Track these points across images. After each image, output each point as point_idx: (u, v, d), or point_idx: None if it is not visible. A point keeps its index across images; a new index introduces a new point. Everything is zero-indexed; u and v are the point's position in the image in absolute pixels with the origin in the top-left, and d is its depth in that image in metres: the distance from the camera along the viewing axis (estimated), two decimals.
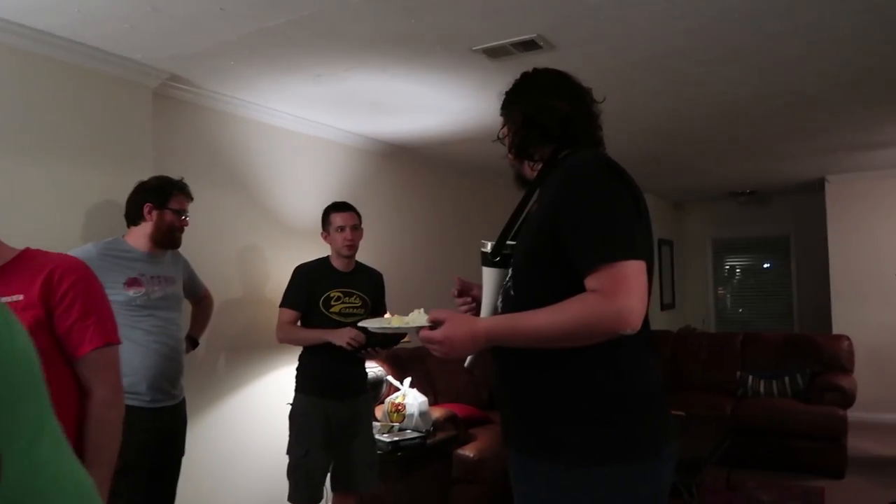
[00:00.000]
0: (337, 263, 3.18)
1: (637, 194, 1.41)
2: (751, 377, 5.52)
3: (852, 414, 5.05)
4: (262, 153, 3.90)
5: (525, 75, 1.62)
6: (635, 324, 1.28)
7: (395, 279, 3.84)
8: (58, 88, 2.80)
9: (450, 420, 4.02)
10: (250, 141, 3.83)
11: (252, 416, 3.71)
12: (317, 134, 4.26)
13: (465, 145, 4.74)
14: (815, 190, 7.10)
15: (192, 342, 3.02)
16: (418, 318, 1.46)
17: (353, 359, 3.07)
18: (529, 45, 2.94)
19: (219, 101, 3.58)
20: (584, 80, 1.60)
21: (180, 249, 2.81)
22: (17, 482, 0.60)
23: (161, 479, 2.62)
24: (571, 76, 1.58)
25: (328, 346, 2.99)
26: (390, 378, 4.02)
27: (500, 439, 1.61)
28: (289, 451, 3.06)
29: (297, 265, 3.24)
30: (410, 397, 3.87)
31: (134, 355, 2.47)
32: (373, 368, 3.84)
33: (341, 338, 2.94)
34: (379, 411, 3.88)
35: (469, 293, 1.70)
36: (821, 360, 5.50)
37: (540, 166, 1.55)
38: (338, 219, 3.14)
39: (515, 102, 1.59)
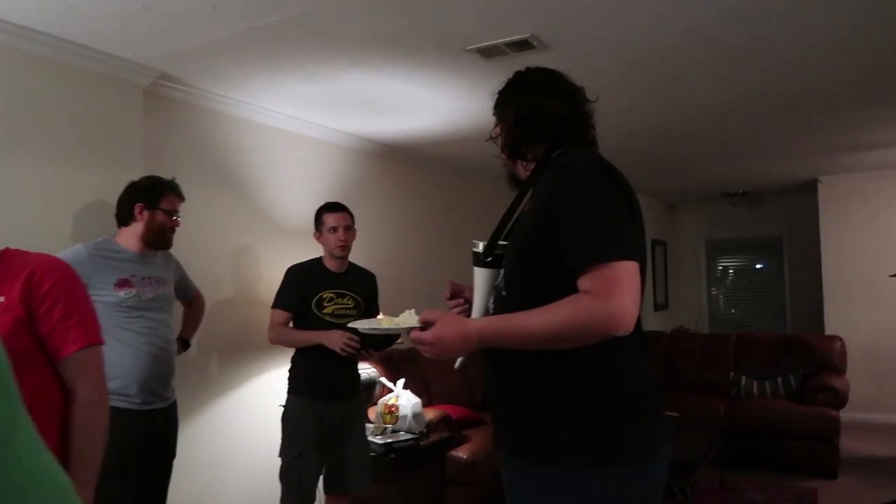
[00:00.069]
0: (330, 264, 3.16)
1: (630, 194, 1.40)
2: (744, 378, 5.53)
3: (845, 414, 5.06)
4: (254, 153, 3.87)
5: (518, 74, 1.61)
6: (628, 325, 1.27)
7: (388, 280, 3.82)
8: (47, 87, 2.77)
9: (443, 421, 4.01)
10: (243, 141, 3.80)
11: (244, 418, 3.68)
12: (310, 134, 4.24)
13: (458, 145, 4.72)
14: (807, 191, 7.12)
15: (184, 344, 3.00)
16: (409, 318, 1.44)
17: (346, 360, 3.05)
18: (523, 45, 2.92)
19: (211, 101, 3.56)
20: (578, 80, 1.59)
21: (172, 250, 2.78)
22: None
23: (152, 481, 2.59)
24: (564, 75, 1.57)
25: (321, 348, 2.97)
26: (384, 379, 4.00)
27: (492, 441, 1.59)
28: (281, 454, 3.04)
29: (289, 266, 3.22)
30: (404, 399, 3.86)
31: (124, 357, 2.45)
32: (366, 370, 3.83)
33: (334, 342, 2.93)
34: (372, 413, 3.86)
35: (461, 295, 1.68)
36: (813, 361, 5.51)
37: (533, 166, 1.54)
38: (330, 219, 3.12)
39: (508, 101, 1.58)
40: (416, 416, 3.81)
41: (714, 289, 8.87)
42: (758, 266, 8.64)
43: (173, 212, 2.66)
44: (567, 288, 1.31)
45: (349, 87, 3.49)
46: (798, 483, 4.64)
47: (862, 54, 3.20)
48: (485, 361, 1.51)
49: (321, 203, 3.25)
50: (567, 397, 1.37)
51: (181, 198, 2.73)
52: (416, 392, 4.02)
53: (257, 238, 3.85)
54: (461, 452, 3.89)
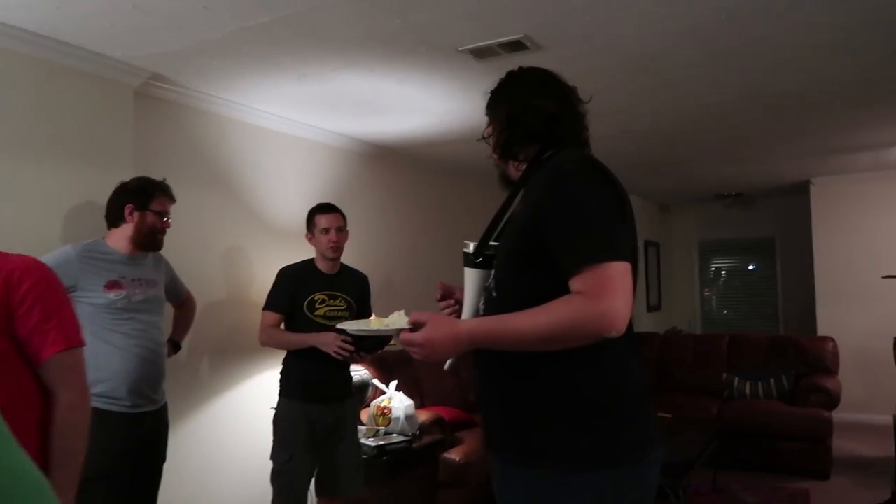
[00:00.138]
0: (322, 266, 3.15)
1: (622, 195, 1.39)
2: (737, 379, 5.54)
3: (837, 415, 5.08)
4: (246, 154, 3.85)
5: (511, 74, 1.60)
6: (620, 326, 1.26)
7: (381, 281, 3.81)
8: (36, 87, 2.74)
9: (436, 423, 3.99)
10: (234, 141, 3.78)
11: (236, 420, 3.66)
12: (302, 134, 4.22)
13: (451, 146, 4.71)
14: (799, 192, 7.15)
15: (175, 346, 2.97)
16: (398, 320, 1.42)
17: (338, 363, 3.03)
18: (516, 46, 2.92)
19: (202, 101, 3.54)
20: (571, 81, 1.58)
21: (162, 251, 2.76)
22: None
23: (142, 485, 2.57)
24: (557, 75, 1.56)
25: (312, 350, 2.96)
26: (376, 381, 3.99)
27: (482, 444, 1.58)
28: (272, 457, 3.02)
29: (281, 267, 3.20)
30: (396, 400, 3.84)
31: (113, 359, 2.43)
32: (358, 372, 3.81)
33: (327, 345, 2.91)
34: (364, 415, 3.85)
35: (451, 296, 1.67)
36: (806, 362, 5.52)
37: (524, 166, 1.53)
38: (323, 220, 3.11)
39: (500, 101, 1.57)
40: (408, 418, 3.80)
41: (707, 290, 8.89)
42: (750, 267, 8.66)
43: (164, 213, 2.64)
44: (558, 289, 1.30)
45: (341, 87, 3.48)
46: (790, 484, 4.65)
47: (854, 57, 3.21)
48: (474, 363, 1.49)
49: (313, 204, 3.23)
50: (557, 400, 1.36)
51: (172, 199, 2.71)
52: (408, 394, 4.00)
53: (249, 239, 3.83)
54: (454, 454, 3.87)
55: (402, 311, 1.44)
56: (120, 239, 2.57)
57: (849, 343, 6.05)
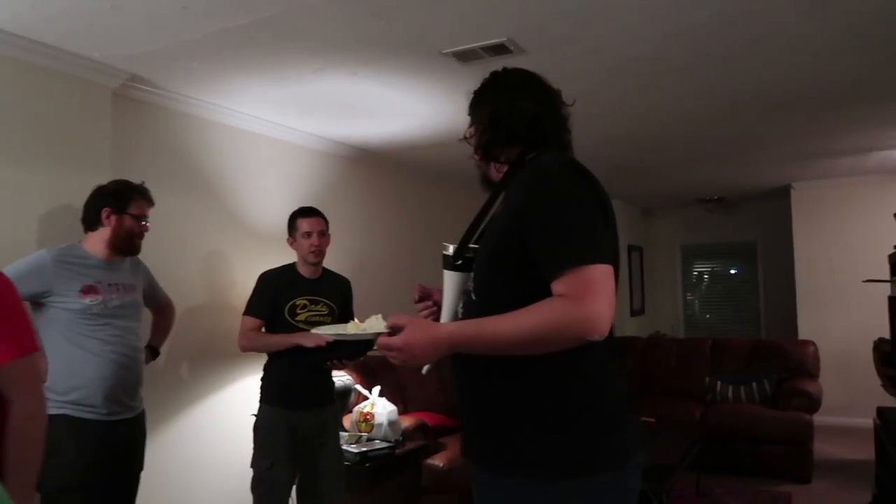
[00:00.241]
0: (303, 270, 3.11)
1: (604, 198, 1.38)
2: (719, 383, 5.57)
3: (818, 419, 5.11)
4: (227, 157, 3.81)
5: (494, 74, 1.58)
6: (603, 330, 1.24)
7: (364, 286, 3.78)
8: (10, 87, 2.68)
9: (419, 429, 3.97)
10: (215, 144, 3.74)
11: (216, 427, 3.61)
12: (283, 137, 4.18)
13: (435, 150, 4.70)
14: (780, 196, 7.21)
15: (153, 352, 2.92)
16: (376, 324, 1.39)
17: (320, 368, 3.00)
18: (499, 49, 2.91)
19: (182, 103, 3.49)
20: (554, 85, 1.57)
21: (141, 256, 2.71)
22: None
23: (118, 494, 2.52)
24: (541, 77, 1.55)
25: (294, 356, 2.92)
26: (359, 387, 3.95)
27: (460, 450, 1.55)
28: (253, 464, 2.97)
29: (262, 272, 3.16)
30: (379, 406, 3.81)
31: (88, 366, 2.38)
32: (341, 377, 3.77)
33: (312, 341, 2.86)
34: (347, 421, 3.81)
35: (430, 298, 1.64)
36: (787, 366, 5.56)
37: (506, 168, 1.51)
38: (304, 224, 3.07)
39: (483, 102, 1.56)
40: (391, 423, 3.76)
41: (689, 294, 8.94)
42: (732, 271, 8.72)
43: (142, 217, 2.60)
44: (539, 292, 1.28)
45: (323, 90, 3.45)
46: (773, 487, 4.67)
47: (834, 63, 3.24)
48: (452, 368, 1.47)
49: (295, 208, 3.20)
50: (536, 405, 1.34)
51: (150, 202, 2.67)
52: (391, 399, 3.97)
53: (230, 243, 3.78)
54: (437, 460, 3.85)
55: (380, 315, 1.41)
56: (96, 243, 2.52)
57: (829, 347, 6.10)
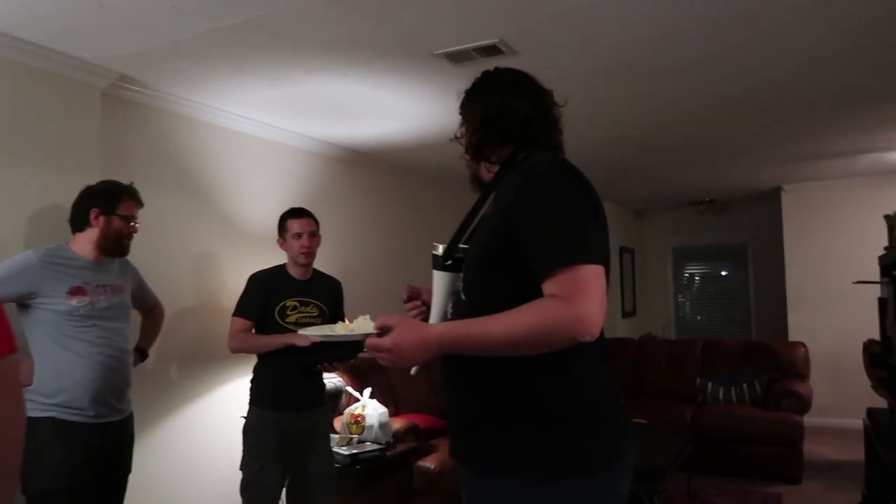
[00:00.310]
0: (293, 271, 3.09)
1: (595, 199, 1.37)
2: (710, 384, 5.58)
3: (808, 419, 5.13)
4: (217, 157, 3.79)
5: (486, 74, 1.58)
6: (594, 331, 1.23)
7: (356, 288, 3.77)
8: None
9: (410, 431, 3.95)
10: (206, 145, 3.72)
11: (205, 429, 3.59)
12: (275, 138, 4.17)
13: (426, 151, 4.69)
14: (771, 199, 7.24)
15: (141, 354, 2.90)
16: (364, 324, 1.37)
17: (310, 370, 2.98)
18: (491, 50, 2.91)
19: (172, 103, 3.47)
20: (546, 86, 1.57)
21: (130, 257, 2.69)
22: None
23: (105, 498, 2.50)
24: (533, 77, 1.54)
25: (284, 358, 2.90)
26: (349, 389, 3.94)
27: (449, 452, 1.54)
28: (242, 467, 2.95)
29: (252, 273, 3.14)
30: (370, 408, 3.79)
31: (75, 368, 2.36)
32: (332, 379, 3.76)
33: (305, 340, 2.84)
34: (338, 423, 3.80)
35: (418, 297, 1.63)
36: (778, 367, 5.58)
37: (497, 168, 1.50)
38: (295, 225, 3.05)
39: (474, 101, 1.55)
40: (382, 425, 3.75)
41: (681, 296, 8.96)
42: (723, 273, 8.76)
43: (131, 217, 2.57)
44: (529, 292, 1.27)
45: (315, 91, 3.44)
46: (763, 488, 4.69)
47: (825, 66, 3.25)
48: (441, 369, 1.46)
49: (286, 209, 3.18)
50: (526, 407, 1.33)
51: (139, 203, 2.65)
52: (382, 401, 3.96)
53: (220, 245, 3.76)
54: (428, 462, 3.84)
55: (368, 316, 1.39)
56: (84, 244, 2.50)
57: (820, 348, 6.13)
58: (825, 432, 5.97)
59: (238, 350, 3.07)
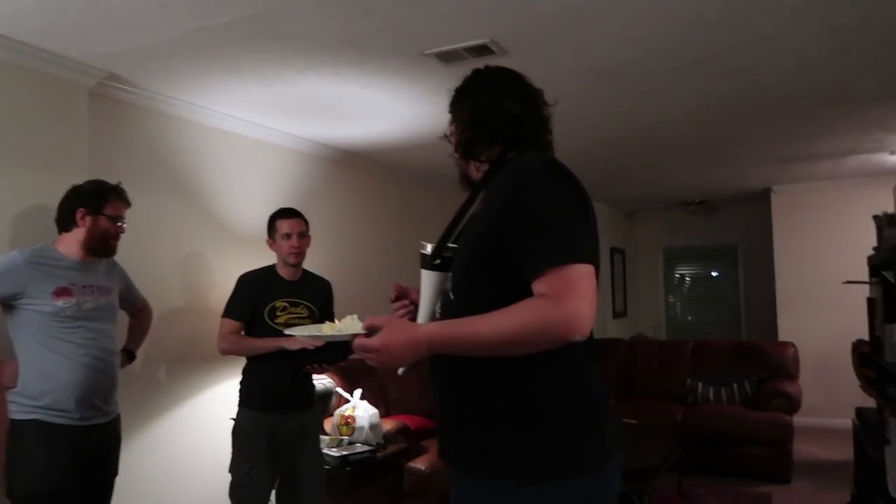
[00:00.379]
0: (283, 272, 3.07)
1: (585, 198, 1.36)
2: (700, 384, 5.59)
3: (798, 419, 5.15)
4: (207, 157, 3.76)
5: (476, 72, 1.57)
6: (585, 330, 1.22)
7: (346, 288, 3.75)
8: None
9: (401, 432, 3.94)
10: (194, 145, 3.69)
11: (194, 431, 3.56)
12: (264, 138, 4.14)
13: (418, 151, 4.68)
14: (761, 200, 7.27)
15: (129, 355, 2.87)
16: (352, 324, 1.35)
17: (299, 372, 2.96)
18: (482, 50, 2.90)
19: (160, 103, 3.45)
20: (537, 86, 1.56)
21: (118, 257, 2.67)
22: None
23: (91, 501, 2.47)
24: (524, 76, 1.53)
25: (273, 359, 2.88)
26: (340, 390, 3.92)
27: (437, 453, 1.53)
28: (231, 469, 2.93)
29: (241, 273, 3.12)
30: (361, 409, 3.78)
31: (61, 369, 2.33)
32: (321, 380, 3.74)
33: (296, 343, 2.83)
34: (328, 424, 3.78)
35: (406, 297, 1.62)
36: (767, 367, 5.60)
37: (486, 167, 1.49)
38: (284, 225, 3.04)
39: (464, 100, 1.54)
40: (373, 427, 3.74)
41: (671, 296, 8.99)
42: (713, 274, 8.79)
43: (118, 217, 2.55)
44: (519, 292, 1.26)
45: (305, 90, 3.42)
46: (753, 488, 4.70)
47: (814, 68, 3.26)
48: (430, 369, 1.45)
49: (276, 209, 3.16)
50: (513, 407, 1.32)
51: (127, 203, 2.62)
52: (373, 402, 3.94)
53: (209, 245, 3.74)
54: (419, 463, 3.83)
55: (355, 315, 1.37)
56: (71, 244, 2.47)
57: (809, 348, 6.16)
58: (814, 432, 6.00)
59: (228, 352, 3.05)
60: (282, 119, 3.95)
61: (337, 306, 3.27)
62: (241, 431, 2.95)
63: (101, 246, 2.51)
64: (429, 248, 1.46)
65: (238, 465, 2.91)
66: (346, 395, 3.89)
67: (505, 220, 1.31)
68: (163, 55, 2.90)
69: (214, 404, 3.63)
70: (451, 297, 1.41)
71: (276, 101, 3.57)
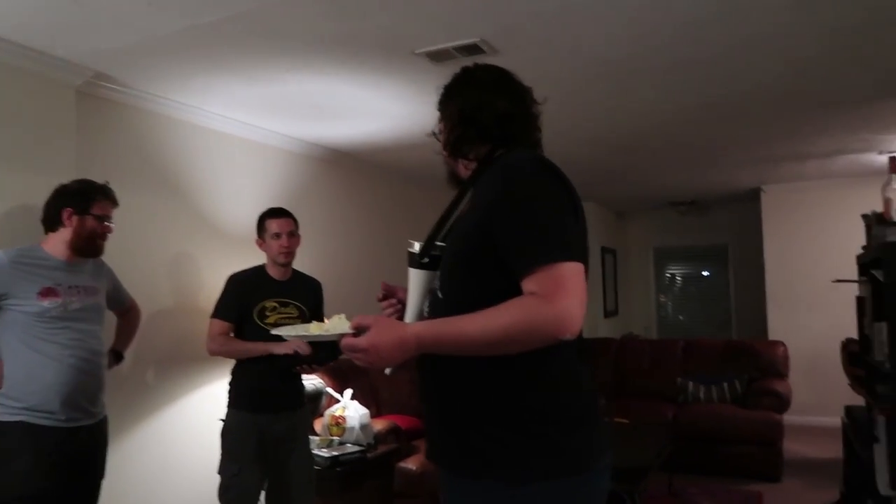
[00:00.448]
0: (273, 272, 3.06)
1: (574, 196, 1.35)
2: (691, 383, 5.61)
3: (788, 418, 5.17)
4: (195, 157, 3.74)
5: (465, 70, 1.56)
6: (575, 329, 1.21)
7: (336, 288, 3.73)
8: None
9: (392, 432, 3.93)
10: (183, 144, 3.67)
11: (183, 432, 3.54)
12: (253, 137, 4.12)
13: (408, 151, 4.67)
14: (751, 199, 7.30)
15: (117, 356, 2.84)
16: (339, 324, 1.34)
17: (289, 372, 2.95)
18: (472, 50, 2.90)
19: (149, 102, 3.42)
20: (526, 85, 1.55)
21: (106, 258, 2.64)
22: None
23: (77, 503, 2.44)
24: (513, 74, 1.53)
25: (262, 360, 2.87)
26: (330, 390, 3.90)
27: (425, 453, 1.51)
28: (220, 470, 2.91)
29: (230, 274, 3.10)
30: (351, 409, 3.76)
31: (46, 371, 2.31)
32: (312, 380, 3.72)
33: (284, 348, 2.82)
34: (318, 425, 3.76)
35: (394, 296, 1.61)
36: (758, 366, 5.62)
37: (474, 165, 1.49)
38: (273, 225, 3.02)
39: (453, 98, 1.53)
40: (363, 427, 3.72)
41: (662, 296, 9.02)
42: (704, 273, 8.83)
43: (105, 217, 2.52)
44: (508, 290, 1.25)
45: (294, 89, 3.40)
46: (743, 487, 4.71)
47: (804, 67, 3.27)
48: (417, 368, 1.44)
49: (265, 209, 3.14)
50: (502, 406, 1.31)
51: (114, 203, 2.60)
52: (364, 402, 3.93)
53: (198, 245, 3.71)
54: (410, 464, 3.81)
55: (343, 315, 1.36)
56: (57, 244, 2.45)
57: (799, 347, 6.18)
58: (804, 431, 6.03)
59: (216, 353, 3.03)
60: (271, 118, 3.93)
61: (327, 306, 3.25)
62: (230, 432, 2.93)
63: (88, 246, 2.49)
64: (417, 247, 1.45)
65: (227, 466, 2.89)
66: (337, 395, 3.87)
67: (494, 219, 1.30)
68: (151, 53, 2.88)
69: (203, 405, 3.60)
70: (440, 295, 1.40)
71: (265, 100, 3.56)
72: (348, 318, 1.31)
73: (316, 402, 3.76)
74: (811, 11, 2.63)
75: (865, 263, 3.18)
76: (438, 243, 1.44)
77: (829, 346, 5.58)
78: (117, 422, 2.84)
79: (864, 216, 3.23)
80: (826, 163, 5.76)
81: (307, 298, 3.11)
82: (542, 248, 1.24)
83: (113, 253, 2.67)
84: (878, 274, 2.72)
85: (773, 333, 6.65)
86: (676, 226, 8.50)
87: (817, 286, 6.33)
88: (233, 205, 3.93)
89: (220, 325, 2.98)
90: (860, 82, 3.54)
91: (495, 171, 1.38)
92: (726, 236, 8.31)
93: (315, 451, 3.30)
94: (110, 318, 2.79)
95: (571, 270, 1.23)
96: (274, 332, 1.54)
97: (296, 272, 3.14)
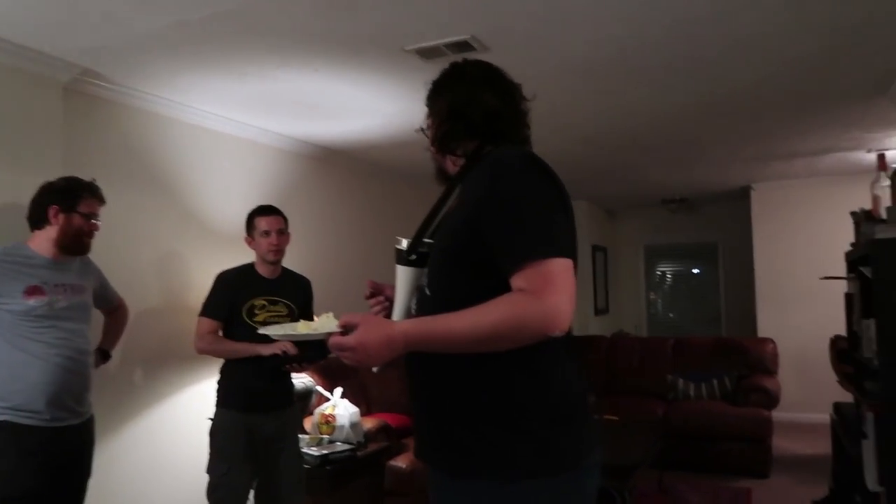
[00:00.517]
0: (262, 270, 3.04)
1: (563, 192, 1.35)
2: (681, 380, 5.63)
3: (777, 415, 5.20)
4: (185, 154, 3.72)
5: (454, 65, 1.55)
6: (564, 325, 1.21)
7: (327, 286, 3.72)
8: None
9: (382, 430, 3.92)
10: (172, 141, 3.64)
11: (172, 431, 3.51)
12: (243, 135, 4.10)
13: (399, 149, 4.65)
14: (741, 197, 7.33)
15: (104, 355, 2.82)
16: (327, 322, 1.32)
17: (278, 371, 2.93)
18: (463, 47, 2.89)
19: (137, 99, 3.39)
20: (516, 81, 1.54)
21: (93, 256, 2.62)
22: None
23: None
24: (502, 70, 1.52)
25: (251, 359, 2.85)
26: (320, 388, 3.89)
27: (413, 452, 1.51)
28: (209, 470, 2.89)
29: (219, 272, 3.08)
30: (341, 408, 3.75)
31: (31, 370, 2.29)
32: (301, 379, 3.71)
33: (271, 349, 2.81)
34: (308, 423, 3.75)
35: (382, 293, 1.59)
36: (747, 363, 5.65)
37: (462, 161, 1.48)
38: (263, 223, 3.00)
39: (441, 93, 1.52)
40: (353, 425, 3.71)
41: (653, 293, 9.05)
42: (694, 271, 8.86)
43: (92, 215, 2.50)
44: (496, 287, 1.24)
45: (284, 87, 3.39)
46: (732, 483, 4.73)
47: (794, 66, 3.28)
48: (405, 366, 1.43)
49: (255, 207, 3.13)
50: (490, 404, 1.31)
51: (101, 200, 2.57)
52: (354, 401, 3.92)
53: (186, 243, 3.69)
54: (400, 462, 3.81)
55: (331, 313, 1.34)
56: (43, 242, 2.43)
57: (788, 344, 6.22)
58: (793, 427, 6.06)
59: (204, 352, 3.01)
60: (261, 116, 3.91)
61: (317, 304, 3.24)
62: (219, 431, 2.92)
63: (75, 244, 2.47)
64: (404, 244, 1.44)
65: (216, 465, 2.88)
66: (327, 393, 3.86)
67: (482, 215, 1.30)
68: (139, 50, 2.85)
69: (192, 404, 3.58)
70: (427, 292, 1.39)
71: (255, 97, 3.53)
72: (336, 316, 1.30)
73: (305, 401, 3.75)
74: (802, 11, 2.63)
75: (854, 260, 3.20)
76: (426, 240, 1.43)
77: (818, 343, 5.61)
78: (104, 421, 2.82)
79: (853, 213, 3.25)
80: (815, 161, 5.79)
81: (296, 296, 3.09)
82: (531, 244, 1.23)
83: (100, 251, 2.65)
84: (866, 271, 2.73)
85: (763, 331, 6.69)
86: (667, 224, 8.53)
87: (806, 283, 6.37)
88: (222, 202, 3.91)
89: (209, 323, 2.96)
90: (851, 81, 3.56)
91: (484, 167, 1.37)
92: (716, 234, 8.35)
93: (305, 450, 3.29)
94: (97, 317, 2.77)
95: (560, 266, 1.22)
96: (261, 331, 1.52)
97: (285, 270, 3.12)
